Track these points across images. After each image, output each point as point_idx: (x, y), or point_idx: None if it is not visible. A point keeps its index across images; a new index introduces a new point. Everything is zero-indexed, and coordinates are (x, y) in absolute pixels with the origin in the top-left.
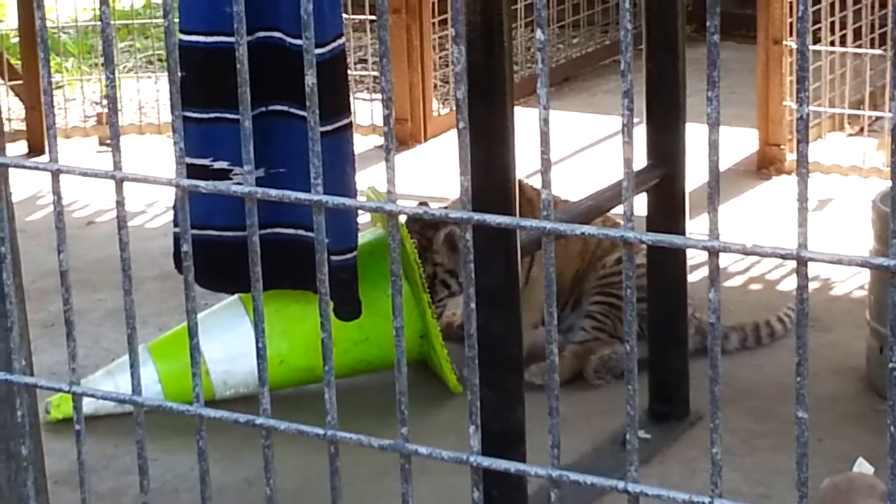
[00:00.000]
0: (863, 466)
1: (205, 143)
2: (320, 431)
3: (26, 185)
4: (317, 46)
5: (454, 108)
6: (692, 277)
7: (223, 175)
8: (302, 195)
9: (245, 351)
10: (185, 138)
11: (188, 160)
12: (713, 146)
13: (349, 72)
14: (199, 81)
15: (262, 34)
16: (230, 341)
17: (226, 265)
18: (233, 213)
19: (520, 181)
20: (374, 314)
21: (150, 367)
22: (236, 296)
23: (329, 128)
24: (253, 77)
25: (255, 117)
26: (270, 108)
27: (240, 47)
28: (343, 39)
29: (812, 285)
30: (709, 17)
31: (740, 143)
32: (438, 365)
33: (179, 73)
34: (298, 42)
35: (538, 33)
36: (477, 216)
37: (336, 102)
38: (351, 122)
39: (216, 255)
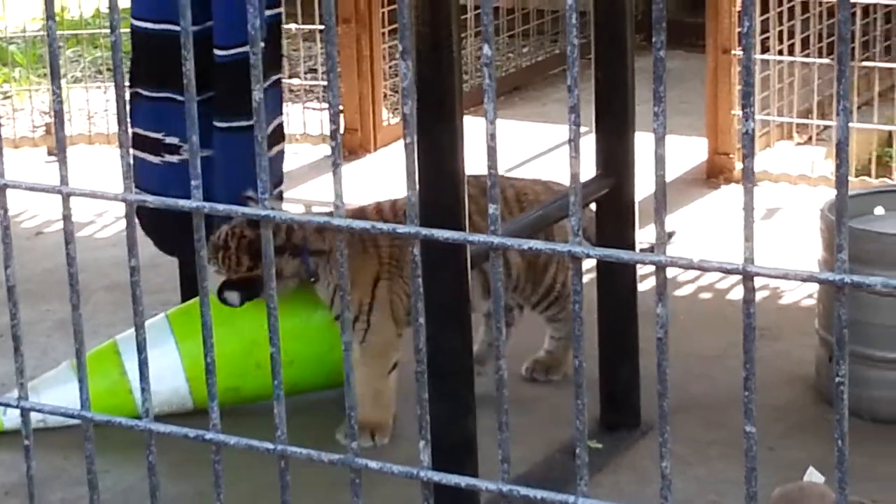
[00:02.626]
0: (813, 475)
1: (157, 119)
2: (270, 446)
3: None
4: (222, 48)
5: None
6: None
7: (174, 149)
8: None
9: (169, 370)
10: (137, 112)
11: (141, 132)
12: (660, 161)
13: (299, 80)
14: (149, 63)
15: (209, 23)
16: (154, 360)
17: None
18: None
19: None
20: (297, 339)
21: (73, 385)
22: (162, 315)
23: (226, 125)
24: (201, 63)
25: (201, 101)
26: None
27: (186, 49)
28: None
29: (761, 294)
30: (654, 32)
31: (690, 151)
32: None
33: (131, 53)
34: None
35: (485, 49)
36: (425, 231)
37: (239, 104)
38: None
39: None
